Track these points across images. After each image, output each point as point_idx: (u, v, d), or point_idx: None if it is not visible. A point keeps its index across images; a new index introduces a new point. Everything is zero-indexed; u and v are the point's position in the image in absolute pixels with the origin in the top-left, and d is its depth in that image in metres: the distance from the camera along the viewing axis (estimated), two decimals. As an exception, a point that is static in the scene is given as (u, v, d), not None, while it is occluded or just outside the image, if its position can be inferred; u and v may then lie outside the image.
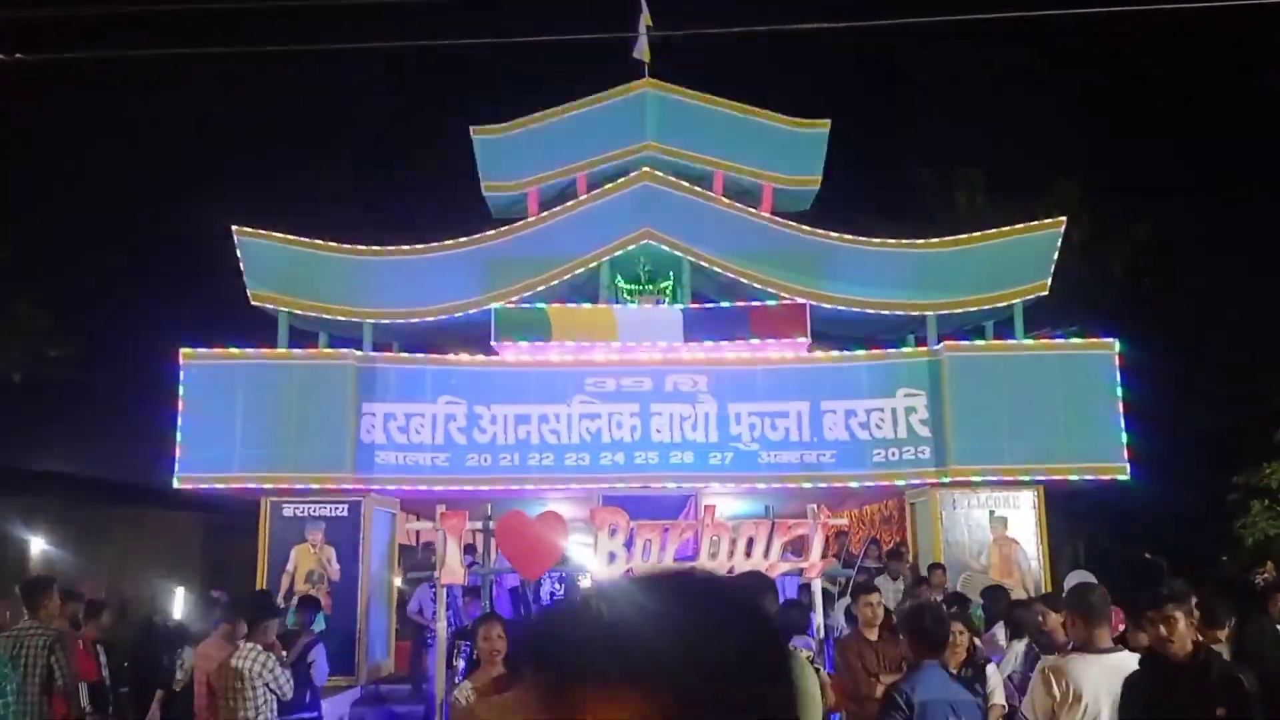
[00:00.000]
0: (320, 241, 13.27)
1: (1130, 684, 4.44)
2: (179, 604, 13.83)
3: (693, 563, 8.56)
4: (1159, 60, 22.26)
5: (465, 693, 5.10)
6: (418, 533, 15.40)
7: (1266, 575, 11.22)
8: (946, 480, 12.44)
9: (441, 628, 8.31)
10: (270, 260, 13.16)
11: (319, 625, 10.14)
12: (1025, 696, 5.01)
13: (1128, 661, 4.86)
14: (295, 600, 10.52)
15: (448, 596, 9.52)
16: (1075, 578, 8.78)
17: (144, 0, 11.35)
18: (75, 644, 7.52)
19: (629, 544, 8.67)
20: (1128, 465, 12.28)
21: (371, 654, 12.48)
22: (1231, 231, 18.40)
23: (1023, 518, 12.58)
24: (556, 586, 12.07)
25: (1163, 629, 4.28)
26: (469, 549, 10.73)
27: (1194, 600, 4.78)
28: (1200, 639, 4.59)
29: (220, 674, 6.79)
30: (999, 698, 6.68)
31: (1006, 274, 13.25)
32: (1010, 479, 12.42)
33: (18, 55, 8.83)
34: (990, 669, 6.84)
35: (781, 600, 11.22)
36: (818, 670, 5.98)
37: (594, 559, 8.80)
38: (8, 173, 19.73)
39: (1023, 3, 11.04)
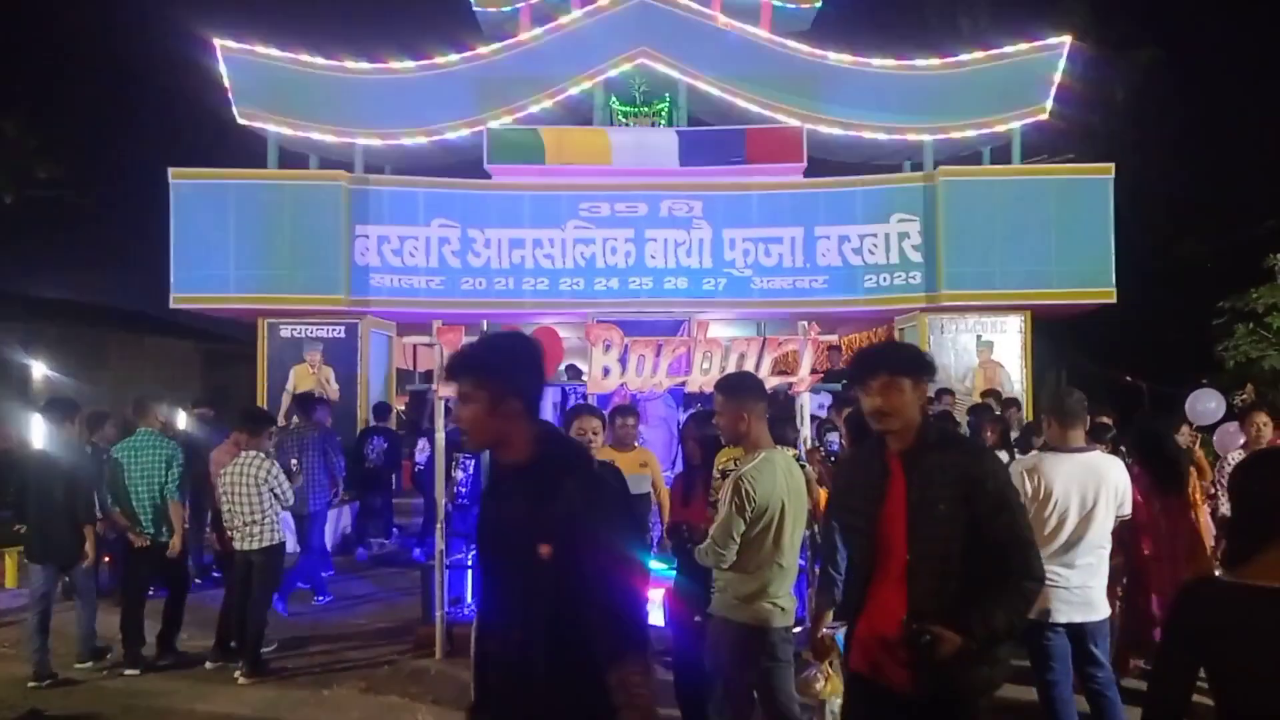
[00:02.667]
0: (307, 58, 12.95)
1: None
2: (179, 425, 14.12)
3: (685, 378, 8.74)
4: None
5: None
6: (415, 356, 15.69)
7: (1245, 397, 11.47)
8: (937, 305, 12.59)
9: (440, 438, 8.55)
10: (257, 77, 12.88)
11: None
12: None
13: (1098, 460, 5.08)
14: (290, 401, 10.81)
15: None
16: (1202, 397, 8.90)
17: None
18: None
19: (623, 359, 8.79)
20: (1114, 289, 12.42)
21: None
22: (1233, 56, 17.98)
23: (1009, 342, 12.80)
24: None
25: None
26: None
27: None
28: None
29: (226, 477, 7.12)
30: None
31: (1006, 98, 13.06)
32: (1000, 303, 12.58)
33: None
34: None
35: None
36: (804, 467, 6.21)
37: (588, 374, 8.96)
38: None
39: None
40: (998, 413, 9.52)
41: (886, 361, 3.22)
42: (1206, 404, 9.30)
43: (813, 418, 11.55)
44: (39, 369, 18.79)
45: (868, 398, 3.19)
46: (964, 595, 2.96)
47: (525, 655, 2.47)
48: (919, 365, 3.24)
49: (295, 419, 10.13)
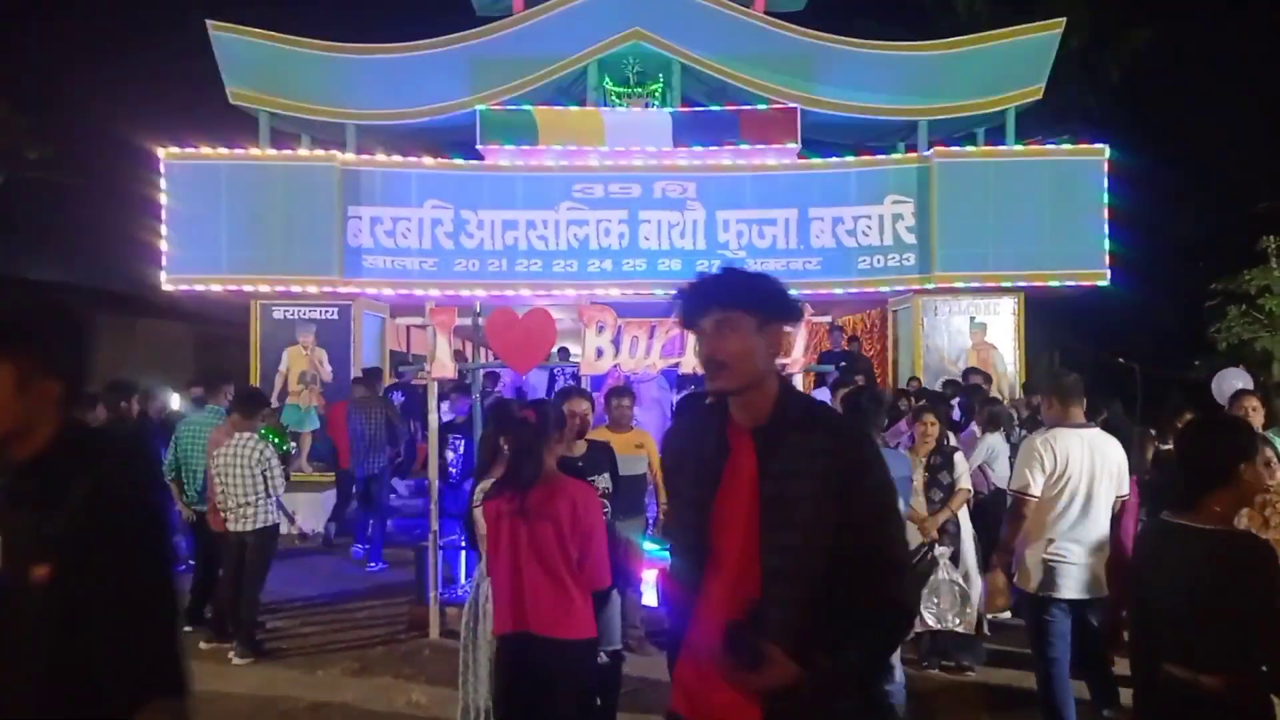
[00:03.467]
0: (299, 38, 12.88)
1: None
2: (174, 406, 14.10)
3: (678, 359, 8.75)
4: None
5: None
6: (408, 337, 15.66)
7: (1235, 380, 11.47)
8: (931, 287, 12.59)
9: (433, 419, 8.54)
10: (248, 58, 12.81)
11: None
12: (1016, 471, 5.16)
13: (1100, 437, 5.10)
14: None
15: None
16: (1228, 376, 8.95)
17: None
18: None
19: (616, 340, 8.78)
20: (1108, 271, 12.43)
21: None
22: (1227, 38, 17.97)
23: (1002, 324, 12.81)
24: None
25: None
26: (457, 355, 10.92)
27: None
28: None
29: (220, 459, 7.09)
30: (965, 483, 7.00)
31: (1001, 78, 13.05)
32: (993, 285, 12.58)
33: None
34: (958, 457, 7.12)
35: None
36: None
37: (582, 356, 8.95)
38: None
39: None
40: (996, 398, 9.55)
41: (721, 292, 2.32)
42: (1233, 383, 9.28)
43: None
44: (30, 351, 18.70)
45: (699, 342, 2.35)
46: (819, 625, 2.20)
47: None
48: (769, 300, 2.34)
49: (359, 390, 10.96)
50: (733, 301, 2.31)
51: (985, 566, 6.33)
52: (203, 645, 7.17)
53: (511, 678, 4.15)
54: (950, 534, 6.81)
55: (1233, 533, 2.99)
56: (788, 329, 2.43)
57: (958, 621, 6.80)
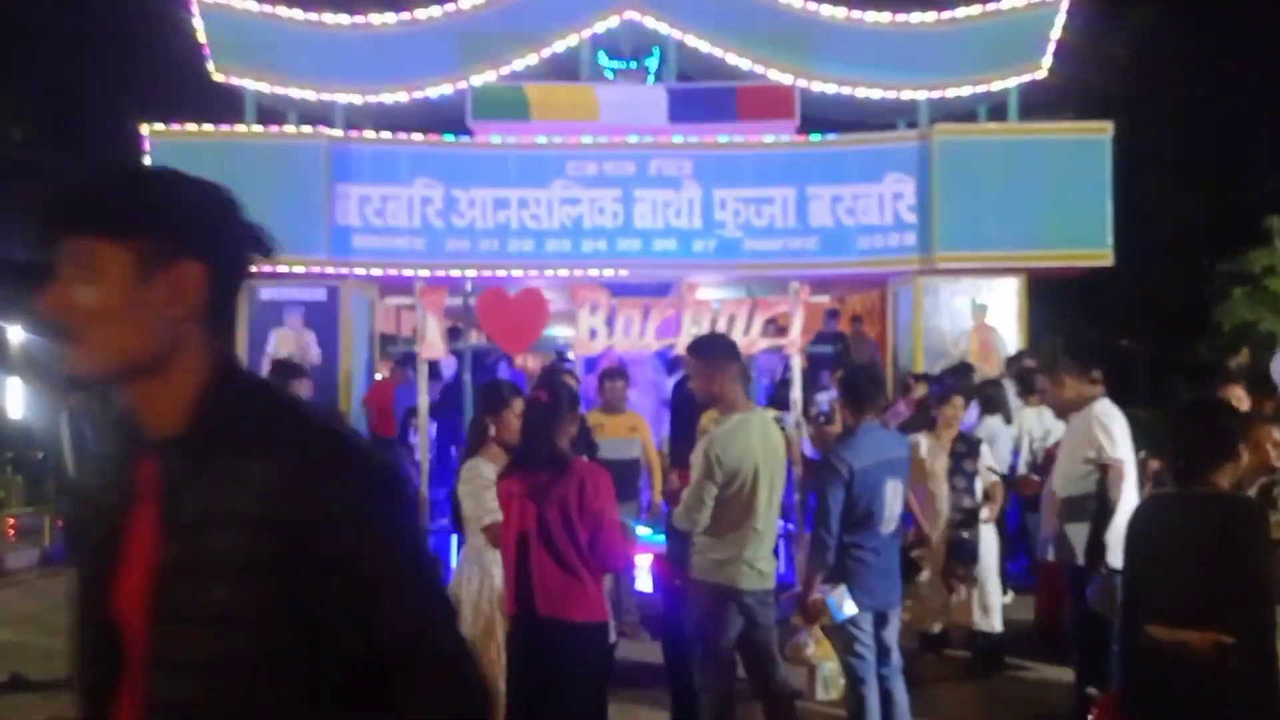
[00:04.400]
0: (284, 12, 12.59)
1: None
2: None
3: (673, 339, 8.55)
4: None
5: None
6: (398, 319, 15.44)
7: (1241, 360, 11.35)
8: (932, 267, 12.37)
9: (423, 402, 8.36)
10: (234, 32, 12.52)
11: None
12: (1104, 438, 5.48)
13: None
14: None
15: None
16: None
17: None
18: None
19: (610, 321, 8.60)
20: (1111, 251, 12.20)
21: (355, 435, 12.65)
22: (1233, 16, 17.70)
23: (1004, 305, 12.59)
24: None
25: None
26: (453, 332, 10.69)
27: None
28: None
29: None
30: (994, 472, 6.97)
31: (1003, 54, 12.78)
32: (995, 265, 12.35)
33: None
34: (984, 448, 7.02)
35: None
36: (783, 429, 6.18)
37: (575, 336, 8.77)
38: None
39: None
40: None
41: (77, 209, 1.42)
42: None
43: (780, 382, 11.44)
44: (15, 333, 18.48)
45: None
46: None
47: None
48: (164, 214, 1.48)
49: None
50: (94, 222, 1.40)
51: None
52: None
53: (521, 659, 4.16)
54: (970, 529, 6.71)
55: (1234, 495, 3.24)
56: (199, 267, 1.46)
57: (939, 628, 6.72)
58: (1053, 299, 15.17)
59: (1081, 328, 16.67)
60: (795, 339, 8.63)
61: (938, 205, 12.24)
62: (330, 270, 12.29)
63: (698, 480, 4.50)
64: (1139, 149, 13.23)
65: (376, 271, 12.61)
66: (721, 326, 8.45)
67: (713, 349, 4.82)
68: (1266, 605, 2.98)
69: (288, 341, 12.39)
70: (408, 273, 12.44)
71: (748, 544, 4.53)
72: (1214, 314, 13.85)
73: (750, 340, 8.31)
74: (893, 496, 4.88)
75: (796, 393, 8.38)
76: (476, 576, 4.85)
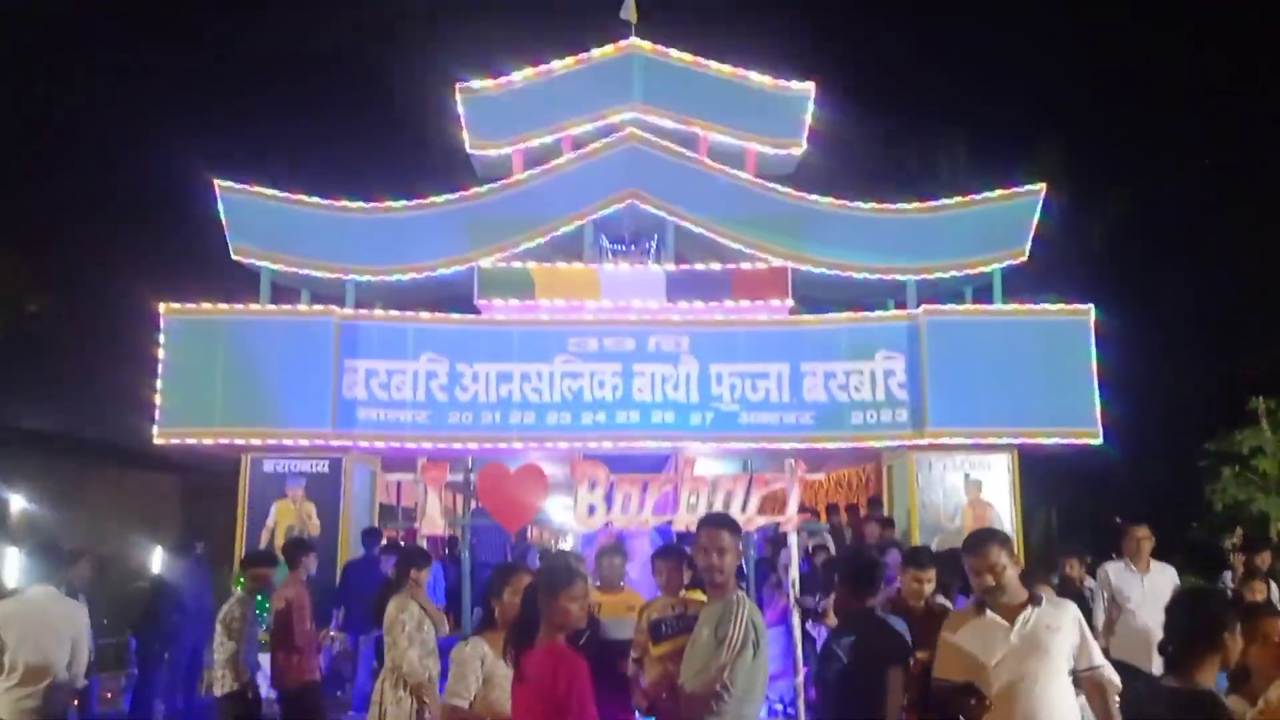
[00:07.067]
0: (304, 197, 13.22)
1: None
2: (157, 563, 13.85)
3: (671, 515, 8.66)
4: (1142, 30, 22.34)
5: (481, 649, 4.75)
6: (399, 491, 15.51)
7: (1235, 541, 11.43)
8: (923, 443, 12.58)
9: (423, 577, 8.37)
10: (253, 215, 13.11)
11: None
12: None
13: None
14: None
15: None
16: None
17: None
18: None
19: (609, 498, 8.72)
20: (1100, 430, 12.46)
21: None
22: (1209, 200, 18.58)
23: (997, 481, 12.74)
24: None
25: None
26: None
27: None
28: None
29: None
30: None
31: (986, 240, 13.38)
32: (986, 442, 12.58)
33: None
34: None
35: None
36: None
37: (574, 512, 8.87)
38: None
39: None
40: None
41: None
42: None
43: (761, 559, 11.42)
44: (17, 501, 18.45)
45: None
46: None
47: None
48: None
49: None
50: None
51: None
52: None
53: None
54: None
55: (1195, 690, 3.35)
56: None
57: None
58: (1045, 474, 15.32)
59: (1076, 502, 16.77)
60: (792, 516, 8.75)
61: (928, 382, 12.56)
62: (335, 442, 12.47)
63: (748, 655, 4.43)
64: (1121, 329, 13.67)
65: (380, 444, 12.80)
66: (719, 502, 8.59)
67: (738, 525, 4.92)
68: None
69: (288, 513, 12.44)
70: (410, 445, 12.64)
71: None
72: (1205, 493, 14.00)
73: (748, 517, 8.43)
74: (895, 685, 4.86)
75: (794, 572, 8.43)
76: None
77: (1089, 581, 7.91)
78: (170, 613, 9.72)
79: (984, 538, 4.54)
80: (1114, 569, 7.73)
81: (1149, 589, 7.40)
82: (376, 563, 11.03)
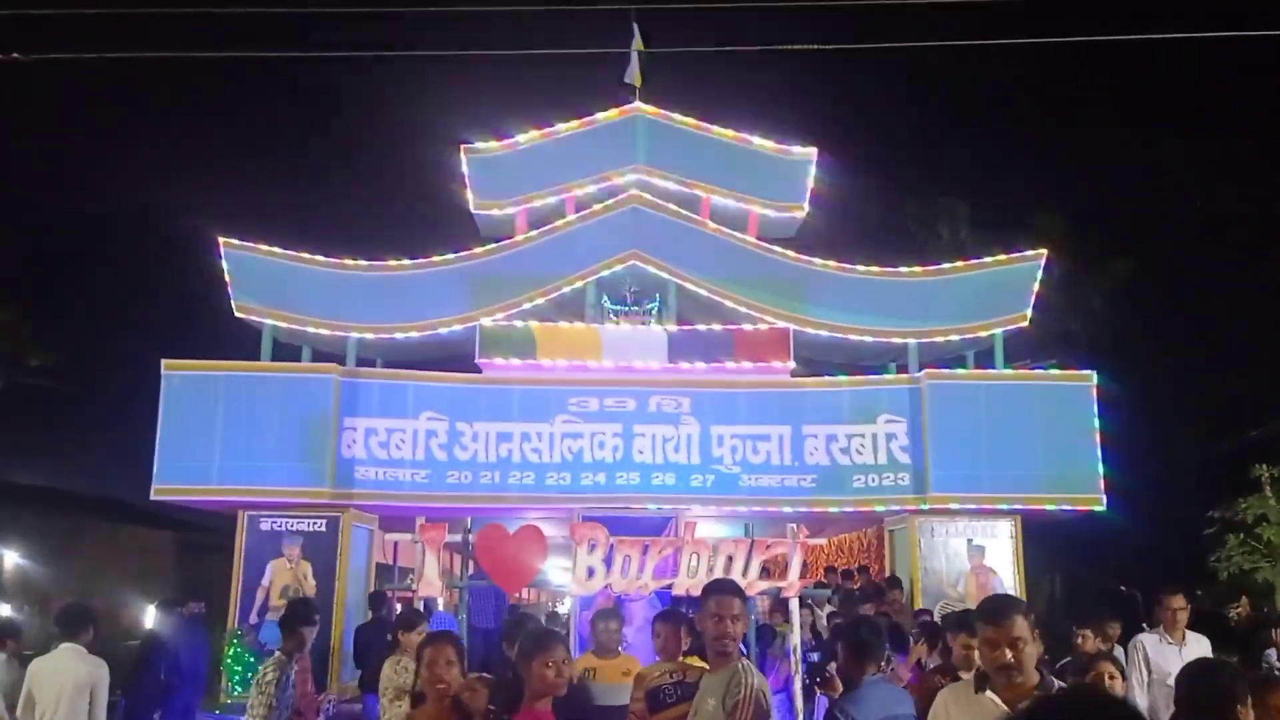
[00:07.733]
0: (307, 255, 13.28)
1: None
2: (150, 619, 13.68)
3: (671, 579, 8.55)
4: (1143, 96, 22.65)
5: None
6: (395, 551, 15.35)
7: (1240, 610, 11.28)
8: (925, 507, 12.47)
9: (411, 639, 8.23)
10: (256, 273, 13.16)
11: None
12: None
13: None
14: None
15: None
16: None
17: (133, 3, 11.35)
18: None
19: (608, 560, 8.62)
20: (1103, 497, 12.36)
21: (345, 672, 12.35)
22: (1210, 267, 18.69)
23: (1000, 547, 12.61)
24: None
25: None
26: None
27: None
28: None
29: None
30: None
31: (987, 304, 13.40)
32: (988, 507, 12.48)
33: (14, 55, 8.85)
34: None
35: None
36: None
37: (573, 575, 8.75)
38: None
39: (1012, 30, 11.23)
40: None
41: None
42: None
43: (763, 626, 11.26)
44: (10, 557, 18.32)
45: None
46: None
47: None
48: None
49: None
50: None
51: None
52: None
53: None
54: None
55: None
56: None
57: None
58: (1049, 539, 15.18)
59: (1079, 568, 16.59)
60: (794, 581, 8.64)
61: (930, 447, 12.48)
62: (333, 501, 12.37)
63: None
64: (1124, 395, 13.64)
65: (378, 503, 12.69)
66: (720, 566, 8.49)
67: (743, 591, 4.86)
68: None
69: (284, 573, 12.29)
70: (408, 504, 12.52)
71: None
72: (1209, 561, 13.88)
73: (749, 582, 8.32)
74: None
75: (795, 638, 8.30)
76: None
77: (1117, 651, 7.61)
78: (161, 672, 9.54)
79: (1006, 606, 3.82)
80: (1149, 641, 7.24)
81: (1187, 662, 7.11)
82: (385, 625, 10.87)
